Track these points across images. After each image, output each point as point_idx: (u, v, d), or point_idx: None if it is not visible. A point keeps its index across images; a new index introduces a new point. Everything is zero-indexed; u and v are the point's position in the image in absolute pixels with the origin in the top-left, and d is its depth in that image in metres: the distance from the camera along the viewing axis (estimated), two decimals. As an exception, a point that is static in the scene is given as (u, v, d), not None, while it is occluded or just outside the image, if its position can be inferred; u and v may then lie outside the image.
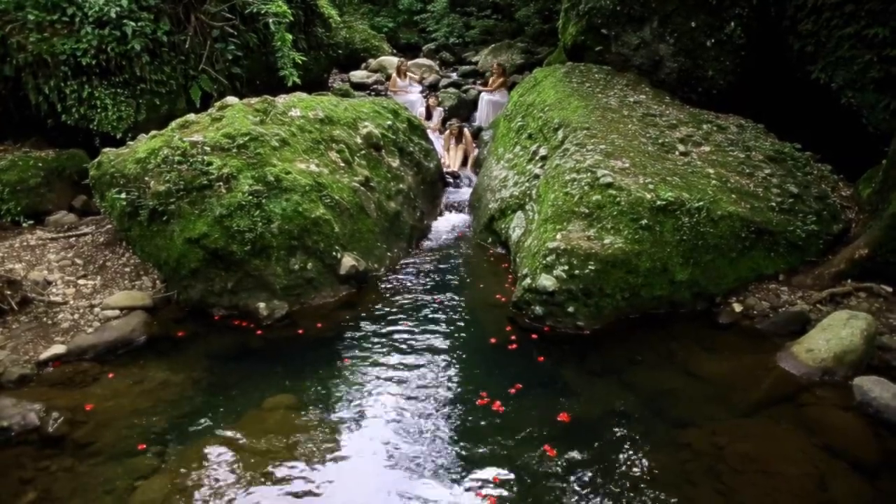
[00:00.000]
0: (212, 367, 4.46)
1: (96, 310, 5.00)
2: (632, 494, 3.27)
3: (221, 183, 5.10)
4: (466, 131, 9.41)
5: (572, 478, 3.39)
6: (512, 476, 3.41)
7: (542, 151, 6.51)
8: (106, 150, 5.63)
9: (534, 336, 4.81)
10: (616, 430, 3.79)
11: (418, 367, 4.45)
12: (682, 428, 3.77)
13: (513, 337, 4.81)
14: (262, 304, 5.09)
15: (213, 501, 3.22)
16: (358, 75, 13.07)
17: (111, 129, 6.83)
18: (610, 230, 5.01)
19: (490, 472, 3.42)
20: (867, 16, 5.86)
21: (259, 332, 4.94)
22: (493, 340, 4.80)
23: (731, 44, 7.25)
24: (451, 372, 4.41)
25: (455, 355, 4.62)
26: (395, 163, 7.00)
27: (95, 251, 5.89)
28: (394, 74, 11.89)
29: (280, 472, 3.42)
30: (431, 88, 12.21)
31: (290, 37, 8.14)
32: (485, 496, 3.25)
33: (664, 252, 4.99)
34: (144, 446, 3.62)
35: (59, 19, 6.49)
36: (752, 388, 4.16)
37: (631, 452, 3.59)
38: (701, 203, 5.13)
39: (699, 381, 4.23)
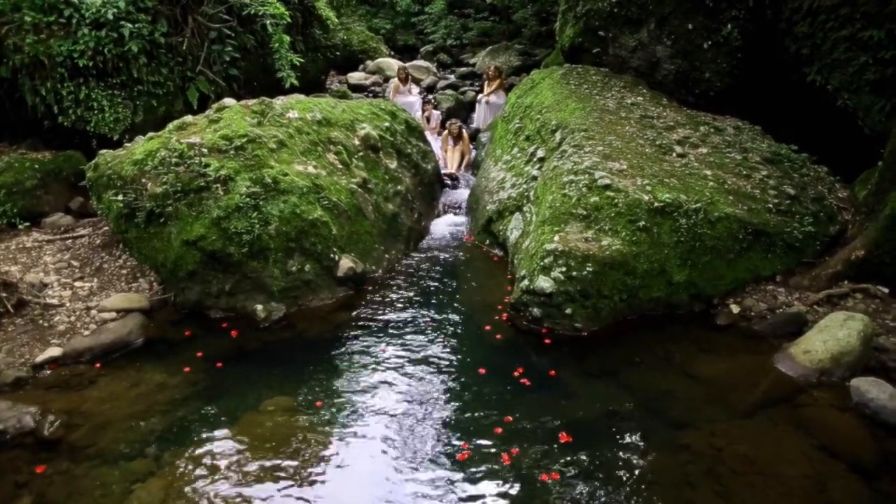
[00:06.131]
0: (209, 370, 4.44)
1: (93, 312, 4.98)
2: (631, 496, 3.27)
3: (219, 185, 5.09)
4: (465, 132, 9.41)
5: (571, 481, 3.38)
6: (512, 483, 3.40)
7: (540, 153, 6.51)
8: (103, 151, 5.62)
9: (532, 338, 4.80)
10: (615, 432, 3.79)
11: (416, 369, 4.44)
12: (680, 430, 3.77)
13: (510, 339, 4.81)
14: (259, 306, 5.08)
15: (210, 504, 3.21)
16: (356, 77, 13.11)
17: (108, 131, 6.83)
18: (607, 232, 5.02)
19: (491, 483, 3.40)
20: (862, 18, 5.88)
21: (256, 334, 4.92)
22: (490, 343, 4.80)
23: (728, 46, 7.28)
24: (449, 374, 4.40)
25: (452, 358, 4.61)
26: (393, 164, 7.00)
27: (92, 253, 5.87)
28: (395, 81, 10.70)
29: (277, 474, 3.41)
30: (429, 91, 12.23)
31: (287, 38, 8.14)
32: None
33: (662, 254, 5.00)
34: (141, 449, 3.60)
35: (55, 21, 6.48)
36: (750, 389, 4.16)
37: (630, 455, 3.59)
38: (698, 205, 5.14)
39: (697, 383, 4.24)
